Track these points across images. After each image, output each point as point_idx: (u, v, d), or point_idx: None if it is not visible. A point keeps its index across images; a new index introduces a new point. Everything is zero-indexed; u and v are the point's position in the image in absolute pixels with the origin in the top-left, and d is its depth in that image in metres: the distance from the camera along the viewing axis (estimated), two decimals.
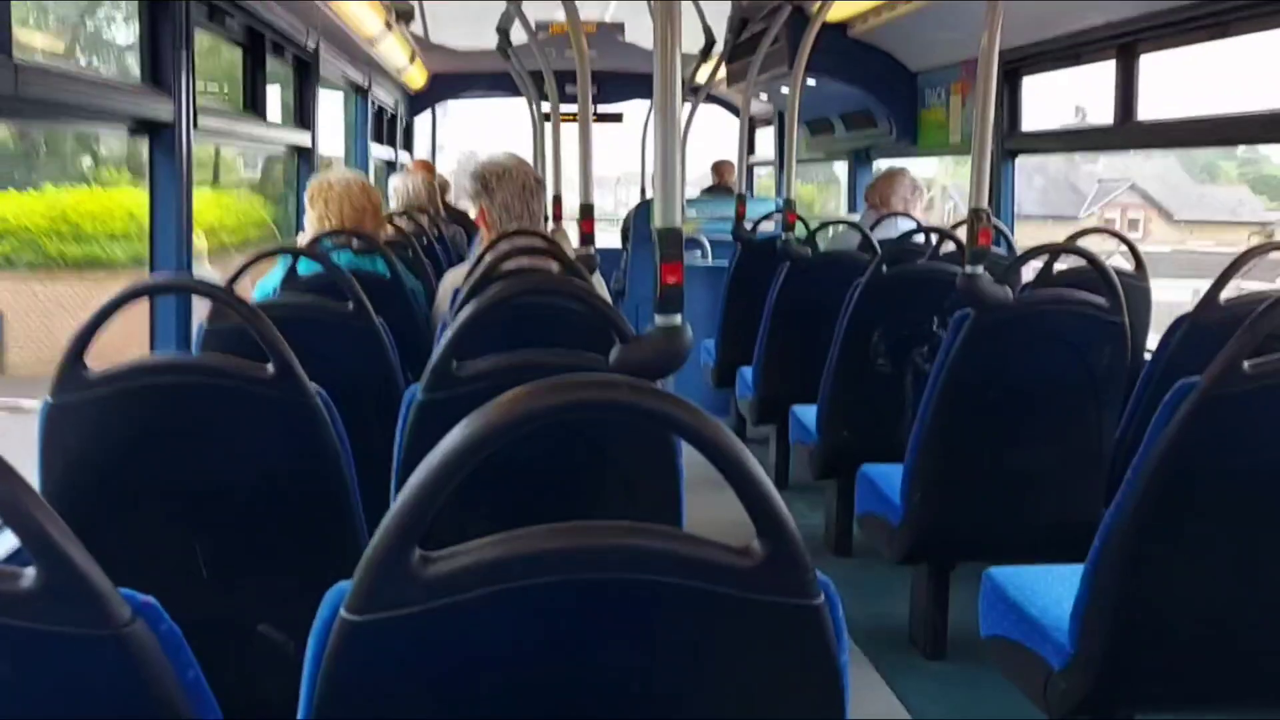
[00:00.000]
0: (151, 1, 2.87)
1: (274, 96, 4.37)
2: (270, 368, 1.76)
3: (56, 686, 0.89)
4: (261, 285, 3.03)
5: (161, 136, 2.88)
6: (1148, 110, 3.72)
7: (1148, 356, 2.97)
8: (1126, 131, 3.79)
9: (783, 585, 0.90)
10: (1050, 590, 2.13)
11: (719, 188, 8.04)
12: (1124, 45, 3.71)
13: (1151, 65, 3.70)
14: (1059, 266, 3.56)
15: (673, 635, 0.91)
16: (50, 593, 0.85)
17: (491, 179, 3.05)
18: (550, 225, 4.33)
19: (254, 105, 4.06)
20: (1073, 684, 1.93)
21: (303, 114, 4.70)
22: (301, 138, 4.61)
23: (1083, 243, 3.15)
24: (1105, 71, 3.82)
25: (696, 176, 8.52)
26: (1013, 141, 4.52)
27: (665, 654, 0.92)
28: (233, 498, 1.80)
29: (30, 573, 0.85)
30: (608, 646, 0.91)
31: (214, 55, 4.15)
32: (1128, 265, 3.49)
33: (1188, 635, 1.87)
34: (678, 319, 1.75)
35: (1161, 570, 1.83)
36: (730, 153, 7.99)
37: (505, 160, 3.10)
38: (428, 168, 6.61)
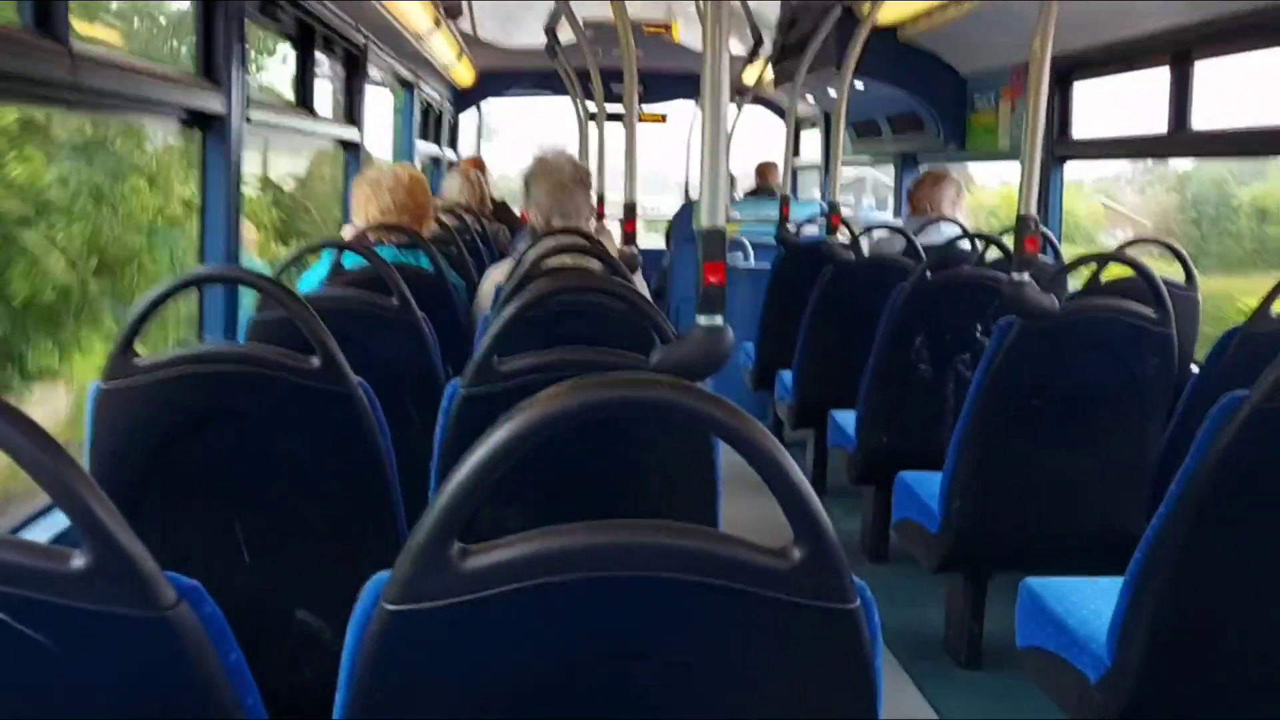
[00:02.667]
0: None
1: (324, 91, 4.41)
2: (315, 359, 1.78)
3: (101, 666, 0.91)
4: (307, 277, 3.06)
5: (213, 129, 2.92)
6: (1202, 117, 3.67)
7: (1195, 368, 2.93)
8: (1180, 139, 3.74)
9: (819, 589, 0.90)
10: (1089, 602, 2.10)
11: (762, 190, 8.01)
12: (1178, 51, 3.66)
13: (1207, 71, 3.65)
14: (1107, 275, 3.52)
15: (707, 635, 0.92)
16: (98, 573, 0.87)
17: (532, 176, 3.07)
18: (593, 224, 4.34)
19: (303, 99, 4.10)
20: (1109, 697, 1.90)
21: (351, 109, 4.74)
22: (350, 133, 4.65)
23: (1132, 251, 3.11)
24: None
25: (740, 176, 8.49)
26: (1063, 147, 4.47)
27: (699, 653, 0.92)
28: (275, 486, 1.82)
29: (79, 553, 0.87)
30: (643, 644, 0.91)
31: None
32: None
33: (1227, 652, 1.84)
34: (719, 320, 1.75)
35: (1203, 585, 1.80)
36: (770, 155, 7.96)
37: (549, 157, 3.11)
38: (477, 164, 6.64)
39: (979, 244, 4.02)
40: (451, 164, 7.38)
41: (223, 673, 0.93)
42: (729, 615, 0.90)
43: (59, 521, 2.11)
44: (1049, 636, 2.13)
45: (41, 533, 2.09)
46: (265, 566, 1.81)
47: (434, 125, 7.49)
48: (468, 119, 9.15)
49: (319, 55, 4.21)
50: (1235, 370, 2.46)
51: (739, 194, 7.89)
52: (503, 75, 7.99)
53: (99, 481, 0.87)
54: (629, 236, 3.18)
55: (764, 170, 8.14)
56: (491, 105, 9.67)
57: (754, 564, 0.89)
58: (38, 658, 0.89)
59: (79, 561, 0.87)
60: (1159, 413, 2.68)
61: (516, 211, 6.82)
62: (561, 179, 3.03)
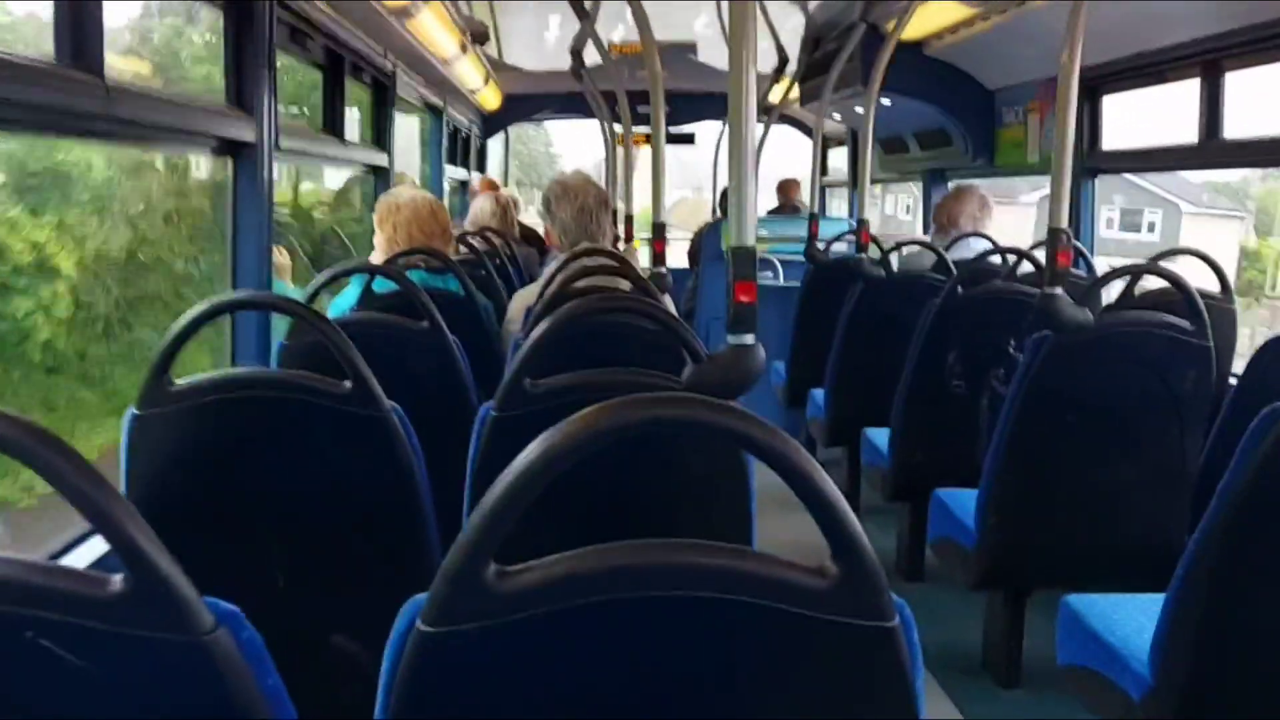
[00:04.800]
0: (236, 24, 2.95)
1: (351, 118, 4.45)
2: (347, 383, 1.78)
3: (140, 690, 0.91)
4: (337, 302, 3.08)
5: (244, 157, 2.95)
6: (1234, 128, 3.63)
7: (1233, 380, 2.89)
8: (1211, 150, 3.70)
9: (857, 607, 0.89)
10: (1131, 619, 2.07)
11: (785, 208, 8.00)
12: (1209, 62, 3.63)
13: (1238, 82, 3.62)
14: (1141, 288, 3.48)
15: (746, 655, 0.91)
16: (137, 598, 0.87)
17: (553, 199, 3.09)
18: (621, 245, 4.35)
19: (333, 126, 4.13)
20: (1152, 716, 1.87)
21: (379, 135, 4.78)
22: (378, 158, 4.69)
23: (1166, 264, 3.08)
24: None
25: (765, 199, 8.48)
26: (1093, 160, 4.44)
27: (738, 673, 0.92)
28: (310, 511, 1.82)
29: (118, 578, 0.87)
30: (681, 664, 0.91)
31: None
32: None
33: (1272, 669, 1.81)
34: (750, 338, 1.74)
35: (1246, 600, 1.77)
36: (795, 172, 7.97)
37: (571, 179, 3.14)
38: (494, 187, 6.66)
39: (1010, 258, 3.99)
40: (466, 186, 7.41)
41: (261, 697, 0.93)
42: (768, 635, 0.89)
43: (98, 547, 2.12)
44: (1091, 654, 2.10)
45: (80, 559, 2.10)
46: (301, 591, 1.81)
47: (461, 149, 7.54)
48: (496, 143, 9.21)
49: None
50: (1274, 381, 2.43)
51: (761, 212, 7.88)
52: (530, 99, 8.03)
53: (135, 507, 0.88)
54: (658, 257, 3.19)
55: (785, 187, 8.14)
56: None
57: (793, 583, 0.88)
58: (77, 682, 0.89)
59: (118, 586, 0.88)
60: (1198, 426, 2.64)
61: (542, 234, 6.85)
62: (585, 201, 3.06)
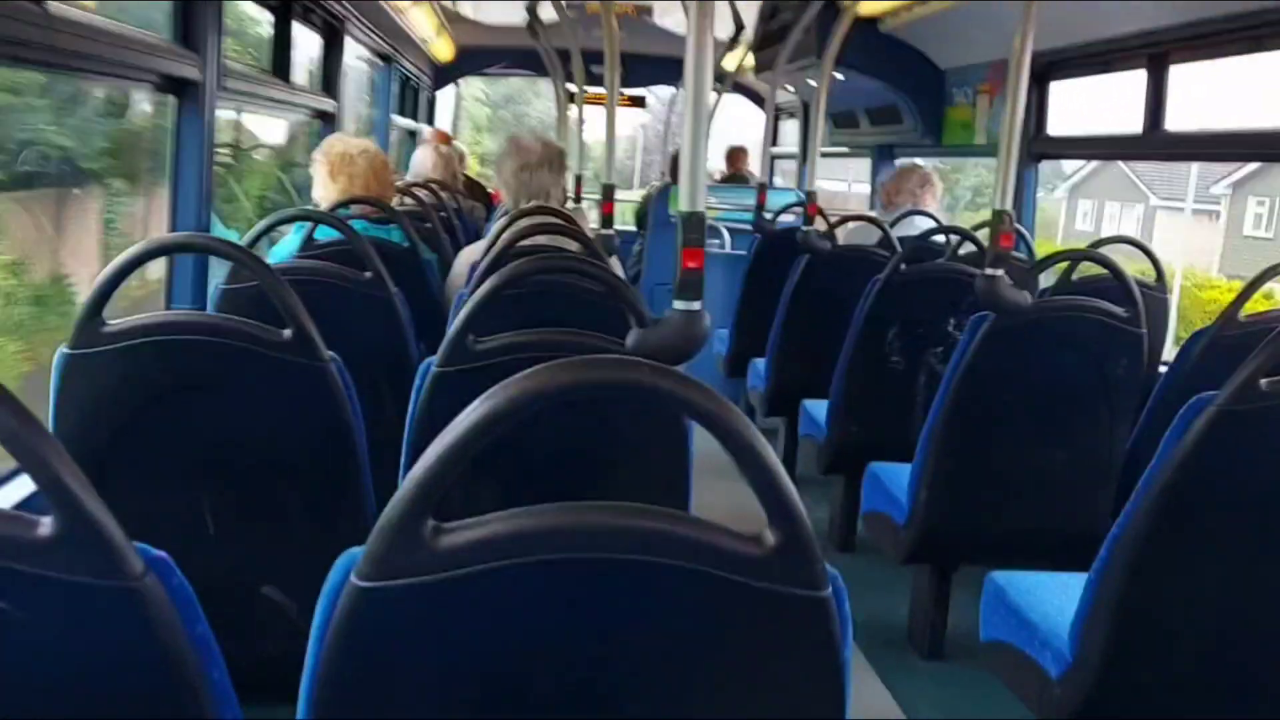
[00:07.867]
0: None
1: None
2: (286, 332, 1.76)
3: (67, 635, 0.90)
4: (278, 249, 3.03)
5: (188, 95, 2.88)
6: (1176, 120, 3.70)
7: (1164, 369, 2.95)
8: (1154, 141, 3.76)
9: (792, 575, 0.90)
10: (1053, 597, 2.12)
11: (733, 176, 8.00)
12: (1155, 54, 3.68)
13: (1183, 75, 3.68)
14: (1079, 273, 3.54)
15: (678, 618, 0.92)
16: (66, 542, 0.85)
17: (504, 155, 3.07)
18: (570, 204, 4.32)
19: (280, 69, 4.05)
20: (1068, 693, 1.92)
21: (328, 80, 4.69)
22: (326, 104, 4.60)
23: (1104, 251, 3.13)
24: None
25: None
26: (1039, 145, 4.49)
27: (670, 636, 0.92)
28: (243, 459, 1.80)
29: (47, 521, 0.86)
30: (614, 626, 0.91)
31: None
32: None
33: (1186, 651, 1.86)
34: (697, 305, 1.75)
35: (1165, 584, 1.82)
36: (742, 140, 7.97)
37: (523, 138, 3.11)
38: (445, 139, 6.57)
39: (953, 238, 4.04)
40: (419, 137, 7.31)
41: (189, 644, 0.92)
42: (701, 600, 0.90)
43: (24, 486, 2.08)
44: (1012, 631, 2.15)
45: (5, 499, 2.06)
46: (231, 540, 1.79)
47: (411, 100, 7.43)
48: (446, 95, 9.09)
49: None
50: (1202, 372, 2.49)
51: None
52: (483, 52, 7.93)
53: (65, 447, 0.86)
54: (606, 219, 3.17)
55: (734, 156, 8.13)
56: None
57: (728, 549, 0.89)
58: (2, 625, 0.88)
59: (46, 529, 0.86)
60: (1127, 411, 2.70)
61: (489, 189, 6.79)
62: (530, 159, 3.02)
